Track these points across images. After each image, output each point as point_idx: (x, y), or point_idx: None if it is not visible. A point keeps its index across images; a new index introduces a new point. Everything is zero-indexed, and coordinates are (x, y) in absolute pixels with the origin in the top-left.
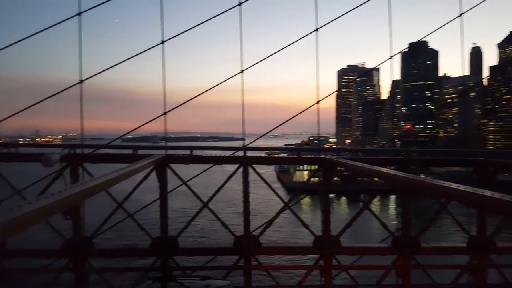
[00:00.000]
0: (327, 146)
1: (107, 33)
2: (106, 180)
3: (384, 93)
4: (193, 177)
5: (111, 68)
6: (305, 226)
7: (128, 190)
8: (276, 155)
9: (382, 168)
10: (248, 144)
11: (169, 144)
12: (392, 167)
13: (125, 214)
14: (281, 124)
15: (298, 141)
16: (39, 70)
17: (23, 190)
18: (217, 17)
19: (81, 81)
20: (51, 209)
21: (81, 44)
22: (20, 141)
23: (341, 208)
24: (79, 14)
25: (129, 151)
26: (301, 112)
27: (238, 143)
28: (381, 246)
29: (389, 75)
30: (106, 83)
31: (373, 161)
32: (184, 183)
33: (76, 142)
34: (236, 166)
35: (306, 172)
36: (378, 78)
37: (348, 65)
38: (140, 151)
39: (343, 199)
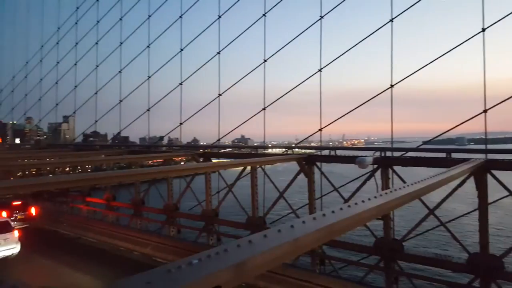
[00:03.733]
0: None
1: (415, 34)
2: (421, 188)
3: None
4: None
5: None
6: None
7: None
8: None
9: None
10: None
11: (491, 147)
12: None
13: (435, 222)
14: None
15: None
16: (348, 79)
17: (340, 187)
18: None
19: (391, 86)
20: (377, 211)
21: (392, 50)
22: (331, 144)
23: None
24: (391, 20)
25: (442, 155)
26: None
27: None
28: None
29: None
30: (407, 83)
31: None
32: None
33: (378, 145)
34: None
35: None
36: None
37: None
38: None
39: None
